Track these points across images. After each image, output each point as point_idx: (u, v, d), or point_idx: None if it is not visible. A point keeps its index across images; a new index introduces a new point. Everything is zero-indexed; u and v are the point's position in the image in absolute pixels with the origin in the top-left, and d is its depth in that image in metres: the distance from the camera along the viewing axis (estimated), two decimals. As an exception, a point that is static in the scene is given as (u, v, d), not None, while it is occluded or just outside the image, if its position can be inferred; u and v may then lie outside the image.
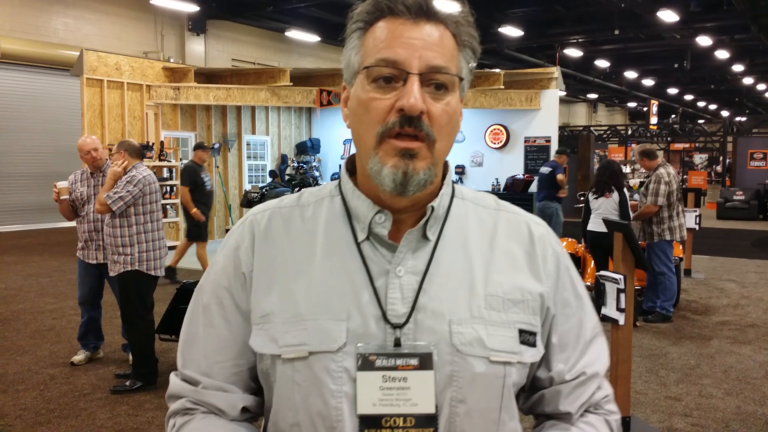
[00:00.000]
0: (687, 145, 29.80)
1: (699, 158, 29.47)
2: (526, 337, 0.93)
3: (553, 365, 1.00)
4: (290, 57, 19.88)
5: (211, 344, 0.98)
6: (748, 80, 28.36)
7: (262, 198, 11.46)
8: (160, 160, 10.86)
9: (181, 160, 12.15)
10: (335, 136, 14.90)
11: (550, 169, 9.99)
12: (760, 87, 31.17)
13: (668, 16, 16.06)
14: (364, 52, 0.92)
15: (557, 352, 1.00)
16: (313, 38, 18.95)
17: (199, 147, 8.84)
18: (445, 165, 0.98)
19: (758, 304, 7.85)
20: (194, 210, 8.36)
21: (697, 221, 9.14)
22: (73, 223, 5.45)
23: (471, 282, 0.93)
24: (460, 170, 13.27)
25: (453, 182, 1.03)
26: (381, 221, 0.93)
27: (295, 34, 18.38)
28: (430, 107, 0.88)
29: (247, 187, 13.34)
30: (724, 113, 40.14)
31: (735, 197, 18.30)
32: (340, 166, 14.74)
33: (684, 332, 6.57)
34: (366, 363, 0.88)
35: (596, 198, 6.95)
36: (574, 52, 21.32)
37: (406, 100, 0.86)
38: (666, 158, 25.34)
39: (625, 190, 6.90)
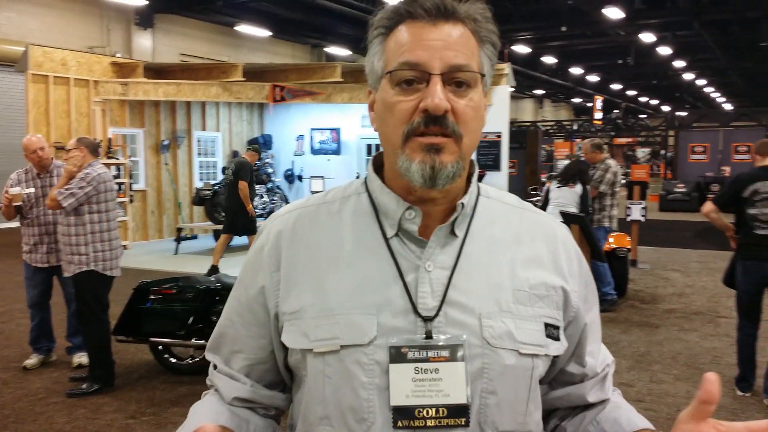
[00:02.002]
0: (630, 140, 30.64)
1: (642, 152, 30.32)
2: (551, 331, 0.98)
3: (585, 360, 1.05)
4: (240, 52, 19.64)
5: (230, 337, 1.05)
6: (688, 76, 29.32)
7: (215, 195, 11.30)
8: (108, 157, 10.61)
9: (130, 157, 11.90)
10: (288, 132, 14.80)
11: None
12: (700, 82, 32.28)
13: (614, 13, 16.48)
14: (387, 57, 0.95)
15: (587, 348, 1.05)
16: (263, 33, 18.77)
17: (253, 148, 9.68)
18: (471, 163, 1.02)
19: (702, 293, 8.17)
20: (250, 206, 8.80)
21: (643, 213, 9.46)
22: (12, 224, 5.29)
23: (498, 277, 0.97)
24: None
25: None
26: (411, 217, 0.96)
27: (245, 28, 18.17)
28: (454, 104, 0.91)
29: (199, 184, 13.15)
30: (666, 108, 41.41)
31: (676, 189, 18.92)
32: (293, 162, 14.67)
33: (633, 321, 6.79)
34: (398, 355, 0.91)
35: (559, 188, 7.09)
36: (522, 49, 21.69)
37: (430, 100, 0.89)
38: (610, 152, 25.94)
39: (588, 186, 7.07)
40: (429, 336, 0.91)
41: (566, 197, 6.96)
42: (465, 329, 0.92)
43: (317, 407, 0.94)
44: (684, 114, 26.28)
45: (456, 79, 0.92)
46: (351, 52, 21.59)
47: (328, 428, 0.93)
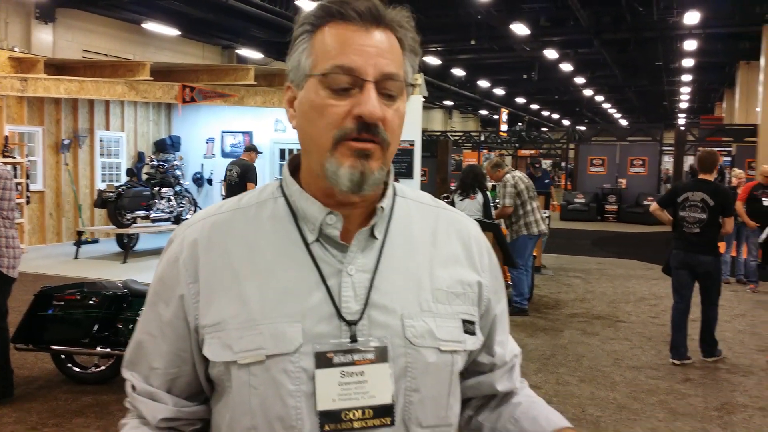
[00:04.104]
0: (533, 152, 31.81)
1: (545, 164, 31.53)
2: (468, 327, 1.01)
3: (494, 350, 1.09)
4: (147, 50, 18.98)
5: (148, 352, 1.01)
6: (588, 92, 30.81)
7: (119, 198, 10.86)
8: (4, 156, 10.00)
9: (27, 156, 11.26)
10: (197, 133, 14.42)
11: None
12: (599, 98, 33.99)
13: (520, 29, 17.11)
14: (316, 57, 0.94)
15: (496, 339, 1.09)
16: (172, 32, 18.23)
17: (252, 149, 9.74)
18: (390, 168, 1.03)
19: (602, 298, 8.58)
20: None
21: (548, 222, 9.84)
22: None
23: (418, 277, 0.98)
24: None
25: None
26: (332, 222, 0.96)
27: (152, 26, 17.58)
28: (385, 113, 0.92)
29: (101, 186, 12.59)
30: (566, 122, 43.32)
31: (576, 200, 19.79)
32: (202, 165, 14.32)
33: (538, 325, 7.05)
34: (324, 361, 0.91)
35: (462, 200, 7.31)
36: (433, 60, 22.12)
37: (366, 109, 0.90)
38: (514, 164, 26.82)
39: (487, 192, 7.33)
40: (354, 339, 0.92)
41: (469, 208, 7.17)
42: (388, 330, 0.94)
43: (244, 418, 0.92)
44: (584, 128, 27.56)
45: (386, 88, 0.92)
46: (263, 56, 21.32)
47: None
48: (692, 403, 4.86)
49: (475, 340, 1.02)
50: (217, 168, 14.08)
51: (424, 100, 12.68)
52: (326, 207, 0.96)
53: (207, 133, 14.33)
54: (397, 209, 1.03)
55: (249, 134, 13.89)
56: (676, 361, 5.78)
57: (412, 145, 12.62)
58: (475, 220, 5.03)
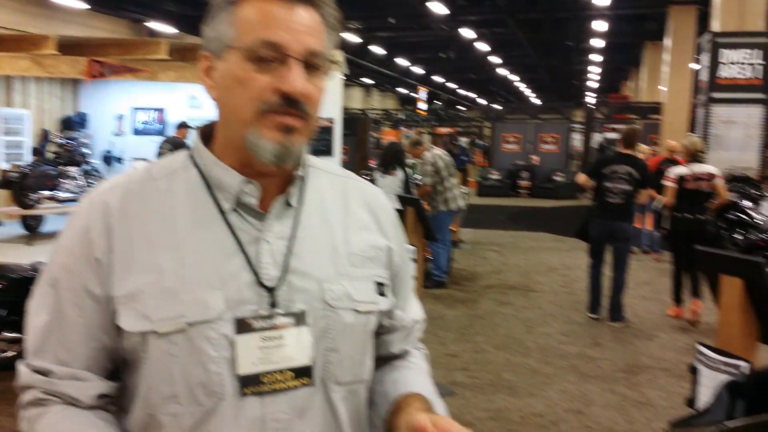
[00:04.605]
0: (451, 130, 32.32)
1: (462, 141, 32.09)
2: (381, 289, 1.06)
3: (396, 313, 1.13)
4: (52, 24, 18.01)
5: (62, 331, 0.96)
6: (503, 71, 31.47)
7: (24, 178, 10.33)
8: None
9: None
10: (107, 110, 13.82)
11: None
12: (513, 77, 34.78)
13: (437, 7, 17.25)
14: (240, 28, 0.94)
15: (399, 302, 1.14)
16: (79, 5, 17.37)
17: (184, 125, 9.85)
18: None
19: (515, 270, 8.90)
20: None
21: (465, 198, 10.07)
22: None
23: (333, 243, 1.02)
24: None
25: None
26: (250, 191, 0.98)
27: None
28: (308, 88, 0.94)
29: (5, 165, 11.93)
30: (482, 101, 44.17)
31: (492, 176, 20.29)
32: (111, 143, 13.79)
33: (456, 297, 7.25)
34: (244, 326, 0.93)
35: (383, 176, 7.41)
36: (352, 38, 22.01)
37: (292, 86, 0.92)
38: (433, 142, 27.21)
39: (407, 169, 7.44)
40: (274, 305, 0.95)
41: (390, 185, 7.27)
42: (308, 295, 0.97)
43: (163, 387, 0.92)
44: (499, 107, 28.19)
45: (311, 64, 0.94)
46: (176, 30, 20.63)
47: (175, 407, 0.92)
48: (601, 366, 5.15)
49: (387, 301, 1.07)
50: (129, 146, 13.61)
51: (343, 77, 12.64)
52: (243, 176, 0.97)
53: (117, 109, 13.76)
54: (310, 178, 1.06)
55: (162, 111, 13.47)
56: (593, 316, 6.45)
57: (331, 122, 12.56)
58: (397, 196, 5.12)
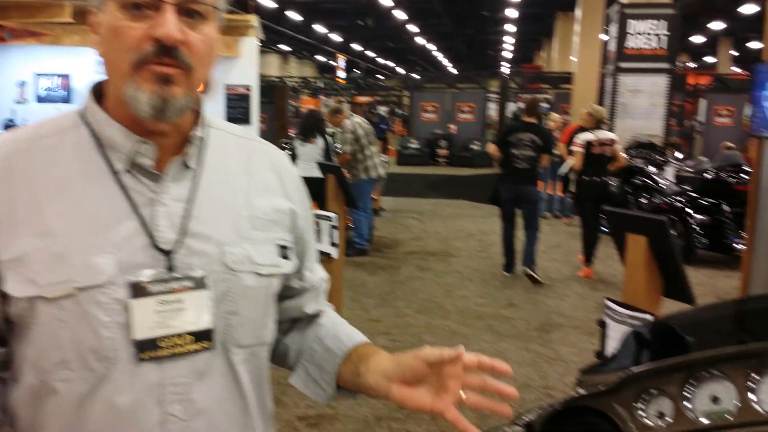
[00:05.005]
0: (370, 98, 32.29)
1: (381, 110, 32.17)
2: (284, 252, 1.05)
3: (304, 275, 1.15)
4: (-62, -20, 16.73)
5: None
6: (420, 40, 31.60)
7: None
8: None
9: None
10: (7, 77, 13.01)
11: None
12: (430, 47, 34.99)
13: (354, -26, 17.08)
14: None
15: (306, 264, 1.15)
16: (-32, -40, 16.17)
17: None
18: (200, 96, 1.02)
19: (435, 236, 9.08)
20: None
21: (386, 166, 10.15)
22: None
23: (234, 205, 1.00)
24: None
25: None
26: (145, 151, 0.94)
27: (-57, -47, 15.48)
28: (188, 37, 0.90)
29: None
30: (401, 70, 44.27)
31: (411, 145, 20.47)
32: (13, 111, 13.04)
33: (378, 264, 7.35)
34: (139, 290, 0.90)
35: (303, 145, 7.35)
36: (267, 2, 21.51)
37: (163, 30, 0.87)
38: (352, 110, 27.09)
39: (327, 136, 7.43)
40: (171, 268, 0.92)
41: (311, 153, 7.25)
42: (207, 258, 0.95)
43: (52, 354, 0.89)
44: (417, 76, 28.36)
45: (189, 10, 0.90)
46: (79, -8, 19.57)
47: (66, 372, 0.89)
48: (515, 326, 5.36)
49: (290, 264, 1.07)
50: (32, 114, 12.90)
51: (259, 43, 12.36)
52: (136, 136, 0.94)
53: (18, 76, 13.00)
54: (211, 139, 1.03)
55: (66, 77, 12.82)
56: (508, 274, 6.88)
57: (248, 90, 12.32)
58: (317, 163, 5.11)
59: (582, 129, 9.54)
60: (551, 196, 10.69)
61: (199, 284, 0.94)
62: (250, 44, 12.34)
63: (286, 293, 1.13)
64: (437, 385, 0.98)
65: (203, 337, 0.94)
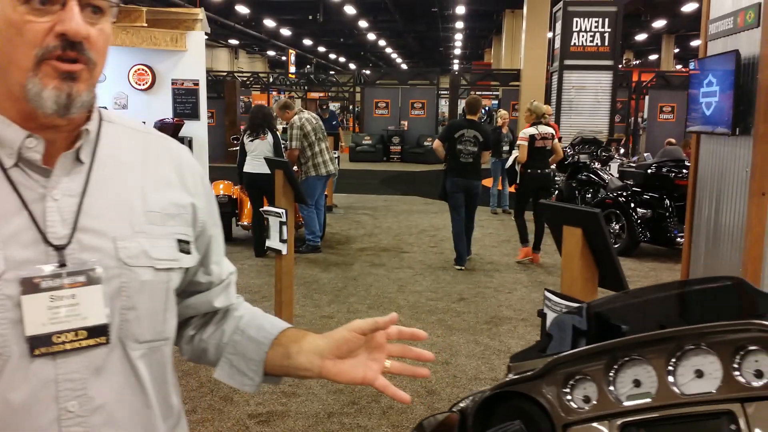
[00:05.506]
0: (322, 94, 32.13)
1: (333, 106, 32.07)
2: (184, 246, 1.04)
3: (211, 269, 1.15)
4: None
5: None
6: (371, 36, 31.60)
7: None
8: None
9: None
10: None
11: None
12: (382, 43, 35.03)
13: (304, -31, 16.98)
14: None
15: (213, 258, 1.15)
16: None
17: None
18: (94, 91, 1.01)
19: (388, 232, 9.13)
20: None
21: (337, 162, 10.15)
22: None
23: (130, 200, 0.99)
24: (103, 114, 12.38)
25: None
26: (32, 146, 0.92)
27: None
28: (90, 31, 0.90)
29: None
30: (352, 66, 44.20)
31: (364, 142, 20.52)
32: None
33: (331, 260, 7.36)
34: (30, 286, 0.89)
35: (252, 140, 7.28)
36: (215, -4, 21.24)
37: (70, 25, 0.87)
38: (304, 105, 26.92)
39: (277, 132, 7.39)
40: (63, 264, 0.91)
41: (260, 149, 7.18)
42: (100, 253, 0.94)
43: None
44: (368, 72, 28.34)
45: (91, 5, 0.90)
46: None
47: None
48: (466, 319, 5.45)
49: (190, 258, 1.07)
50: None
51: (206, 37, 12.20)
52: (25, 130, 0.92)
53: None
54: (105, 134, 1.02)
55: None
56: (460, 267, 7.05)
57: (196, 84, 12.13)
58: (265, 158, 5.07)
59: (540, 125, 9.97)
60: (501, 191, 10.87)
61: (93, 279, 0.93)
62: (198, 38, 12.15)
63: (193, 288, 1.13)
64: (365, 357, 1.02)
65: (98, 332, 0.93)
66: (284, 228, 4.17)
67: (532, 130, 7.27)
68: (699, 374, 1.01)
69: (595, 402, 1.07)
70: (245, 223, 7.92)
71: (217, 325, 1.17)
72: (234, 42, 34.92)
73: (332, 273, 6.82)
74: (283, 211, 4.19)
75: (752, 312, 1.05)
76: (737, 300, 1.30)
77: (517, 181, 7.78)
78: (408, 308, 5.70)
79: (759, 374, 0.97)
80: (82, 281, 0.92)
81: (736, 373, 0.98)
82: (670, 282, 1.43)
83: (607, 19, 11.97)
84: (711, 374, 1.00)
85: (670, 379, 1.03)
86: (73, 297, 0.91)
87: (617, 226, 8.12)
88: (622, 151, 11.93)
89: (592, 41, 11.94)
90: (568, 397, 1.10)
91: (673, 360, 1.04)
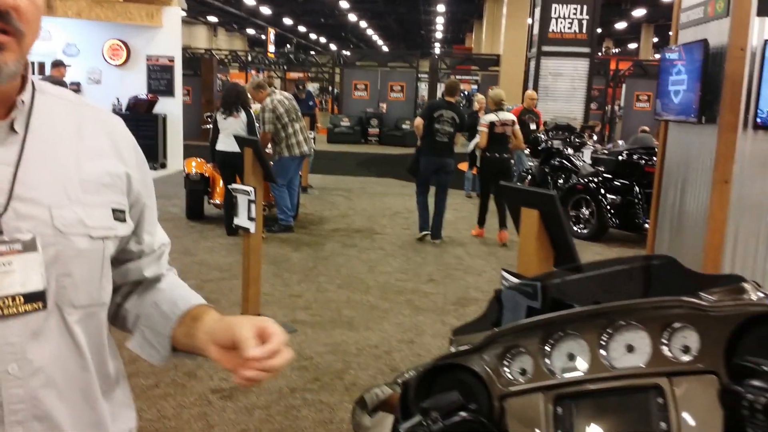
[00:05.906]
0: (301, 75, 31.89)
1: (312, 87, 31.87)
2: (119, 215, 1.07)
3: (143, 238, 1.17)
4: None
5: None
6: (352, 17, 31.38)
7: None
8: None
9: None
10: None
11: None
12: (362, 24, 34.81)
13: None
14: None
15: (145, 227, 1.17)
16: None
17: (59, 63, 9.76)
18: (27, 61, 1.01)
19: (362, 214, 9.15)
20: None
21: (313, 143, 10.12)
22: None
23: (65, 169, 1.01)
24: (75, 88, 12.21)
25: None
26: None
27: None
28: (18, 2, 0.89)
29: None
30: (333, 46, 43.90)
31: (342, 123, 20.44)
32: None
33: (303, 240, 7.37)
34: None
35: (225, 118, 7.23)
36: (194, -28, 20.91)
37: None
38: (283, 86, 26.67)
39: (251, 110, 7.34)
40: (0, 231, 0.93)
41: (233, 127, 7.14)
42: (36, 221, 0.95)
43: None
44: (348, 53, 28.16)
45: None
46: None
47: None
48: (434, 300, 5.50)
49: (126, 227, 1.09)
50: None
51: (184, 13, 12.04)
52: None
53: None
54: (39, 104, 1.03)
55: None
56: (426, 233, 7.57)
57: (171, 61, 12.02)
58: (234, 136, 5.04)
59: (527, 111, 10.20)
60: (475, 176, 10.92)
61: (28, 247, 0.94)
62: (174, 14, 12.03)
63: (124, 256, 1.15)
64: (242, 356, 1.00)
65: (35, 298, 0.95)
66: (252, 206, 4.16)
67: (492, 117, 7.56)
68: (630, 349, 1.04)
69: (530, 375, 1.10)
70: (217, 202, 7.88)
71: (140, 295, 1.19)
72: (213, 19, 34.47)
73: (303, 252, 6.83)
74: (252, 189, 4.18)
75: (682, 289, 1.08)
76: (669, 278, 1.34)
77: (477, 165, 8.14)
78: (377, 288, 5.73)
79: (686, 350, 1.00)
80: (19, 249, 0.93)
81: (665, 348, 1.02)
82: (609, 259, 1.46)
83: (585, 6, 12.02)
84: (641, 349, 1.03)
85: (602, 353, 1.06)
86: (9, 264, 0.93)
87: (587, 212, 8.22)
88: (595, 137, 12.05)
89: (570, 28, 12.00)
90: (506, 369, 1.13)
91: (605, 335, 1.07)
